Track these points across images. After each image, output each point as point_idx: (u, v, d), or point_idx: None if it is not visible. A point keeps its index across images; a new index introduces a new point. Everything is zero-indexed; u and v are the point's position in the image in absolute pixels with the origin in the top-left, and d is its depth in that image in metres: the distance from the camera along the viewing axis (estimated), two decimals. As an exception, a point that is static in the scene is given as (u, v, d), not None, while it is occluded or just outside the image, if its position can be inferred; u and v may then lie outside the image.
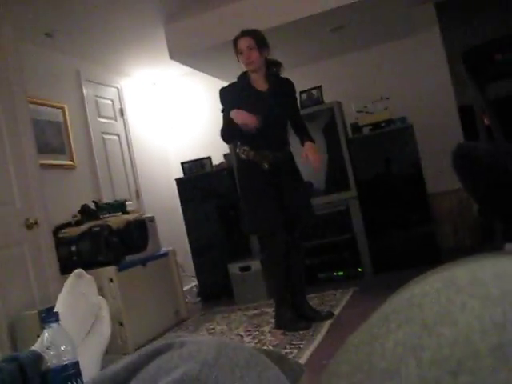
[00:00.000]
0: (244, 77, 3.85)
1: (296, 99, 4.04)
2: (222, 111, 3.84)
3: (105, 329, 2.63)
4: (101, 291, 3.84)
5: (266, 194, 3.72)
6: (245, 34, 3.79)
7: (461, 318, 0.29)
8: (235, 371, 0.50)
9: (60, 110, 4.93)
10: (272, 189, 3.74)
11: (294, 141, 4.00)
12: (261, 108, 3.73)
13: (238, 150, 3.90)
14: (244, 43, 3.76)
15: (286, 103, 3.88)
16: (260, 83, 3.83)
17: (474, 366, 0.24)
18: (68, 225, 4.35)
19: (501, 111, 3.87)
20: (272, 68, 3.90)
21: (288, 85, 3.94)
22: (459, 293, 0.32)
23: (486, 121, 3.69)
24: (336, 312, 3.98)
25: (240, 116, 3.64)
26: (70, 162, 4.95)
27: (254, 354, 0.55)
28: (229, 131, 3.77)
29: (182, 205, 5.85)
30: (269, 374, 0.52)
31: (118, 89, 6.03)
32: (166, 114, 6.90)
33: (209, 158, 5.97)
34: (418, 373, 0.26)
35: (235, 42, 3.81)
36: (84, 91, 5.37)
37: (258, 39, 3.79)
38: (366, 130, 5.45)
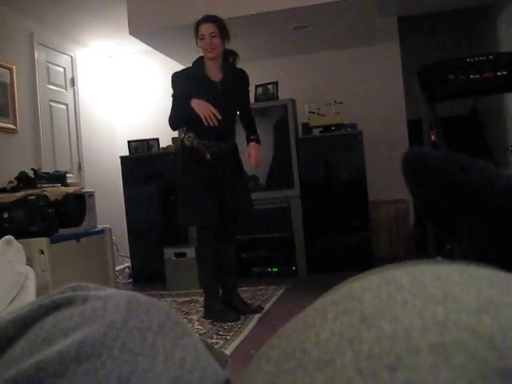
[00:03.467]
0: (199, 64, 3.77)
1: (248, 92, 3.98)
2: (173, 96, 3.77)
3: (29, 300, 2.55)
4: (30, 262, 3.74)
5: (203, 185, 3.68)
6: (209, 19, 3.71)
7: (401, 314, 0.28)
8: (147, 336, 0.44)
9: (8, 71, 4.75)
10: (211, 180, 3.71)
11: (240, 131, 3.99)
12: (211, 99, 3.67)
13: (182, 136, 3.86)
14: (207, 29, 3.67)
15: (237, 95, 3.84)
16: (214, 73, 3.75)
17: (414, 362, 0.23)
18: (3, 190, 4.20)
19: (448, 130, 3.98)
20: (228, 58, 3.83)
21: (242, 76, 3.88)
22: (400, 290, 0.32)
23: (433, 137, 3.78)
24: (266, 307, 4.00)
25: (203, 106, 3.58)
26: (13, 126, 4.77)
27: (170, 316, 0.49)
28: (182, 118, 3.72)
29: (124, 183, 5.75)
30: (185, 341, 0.47)
31: (71, 57, 5.85)
32: (118, 90, 6.76)
33: (157, 140, 5.88)
34: (354, 364, 0.25)
35: (197, 25, 3.72)
36: (36, 55, 5.19)
37: (221, 27, 3.71)
38: (316, 132, 5.50)
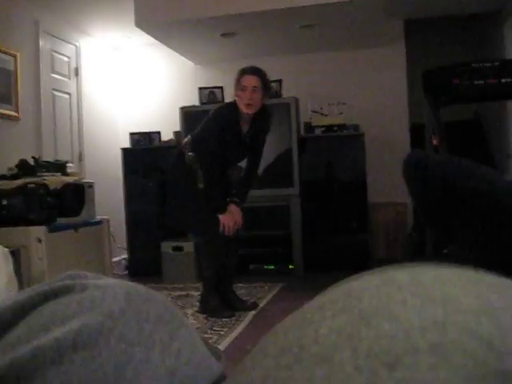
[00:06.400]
0: (236, 116, 3.67)
1: (265, 140, 3.92)
2: (209, 129, 3.70)
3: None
4: (27, 250, 3.74)
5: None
6: (254, 72, 3.63)
7: (401, 313, 0.28)
8: (144, 327, 0.45)
9: (12, 58, 4.73)
10: None
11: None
12: (236, 149, 3.73)
13: (183, 149, 3.84)
14: (251, 81, 3.59)
15: (259, 143, 3.87)
16: (245, 123, 3.71)
17: (413, 361, 0.24)
18: (2, 177, 4.20)
19: (451, 134, 3.98)
20: (263, 112, 3.74)
21: (265, 126, 3.84)
22: (399, 290, 0.32)
23: (434, 141, 3.78)
24: (261, 304, 4.01)
25: (229, 221, 3.67)
26: (15, 113, 4.76)
27: (168, 308, 0.49)
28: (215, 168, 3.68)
29: (124, 175, 5.75)
30: (182, 333, 0.47)
31: (76, 46, 5.84)
32: (122, 82, 6.74)
33: (158, 133, 5.88)
34: (352, 362, 0.25)
35: (241, 74, 3.65)
36: (40, 43, 5.18)
37: (265, 82, 3.65)
38: (318, 131, 5.50)
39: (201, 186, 3.72)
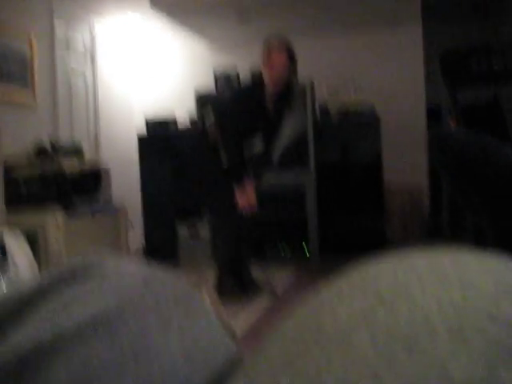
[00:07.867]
0: (261, 87, 3.64)
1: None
2: (231, 111, 3.70)
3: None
4: (45, 235, 3.79)
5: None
6: (284, 49, 3.58)
7: (419, 297, 0.28)
8: (162, 311, 0.45)
9: (27, 40, 4.75)
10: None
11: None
12: (259, 125, 3.70)
13: (206, 121, 3.87)
14: (281, 59, 3.55)
15: (279, 121, 3.88)
16: (270, 97, 3.68)
17: (431, 345, 0.24)
18: (20, 163, 4.23)
19: (469, 117, 3.94)
20: (289, 88, 3.74)
21: (291, 103, 3.90)
22: (417, 274, 0.32)
23: (452, 124, 3.75)
24: (277, 288, 4.02)
25: (245, 199, 3.64)
26: (32, 98, 4.79)
27: (187, 292, 0.49)
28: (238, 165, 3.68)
29: (140, 161, 5.76)
30: (200, 317, 0.48)
31: (91, 30, 5.83)
32: (137, 65, 6.74)
33: (175, 119, 5.88)
34: (371, 343, 0.25)
35: (269, 51, 3.59)
36: (55, 25, 5.18)
37: (292, 56, 3.60)
38: (333, 115, 5.46)
39: (225, 166, 3.73)
